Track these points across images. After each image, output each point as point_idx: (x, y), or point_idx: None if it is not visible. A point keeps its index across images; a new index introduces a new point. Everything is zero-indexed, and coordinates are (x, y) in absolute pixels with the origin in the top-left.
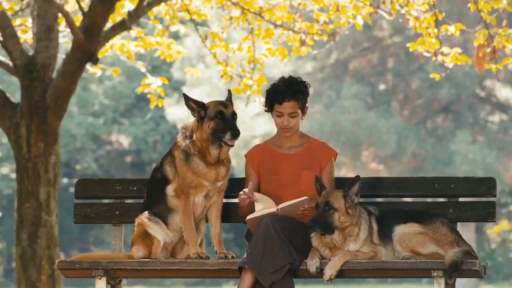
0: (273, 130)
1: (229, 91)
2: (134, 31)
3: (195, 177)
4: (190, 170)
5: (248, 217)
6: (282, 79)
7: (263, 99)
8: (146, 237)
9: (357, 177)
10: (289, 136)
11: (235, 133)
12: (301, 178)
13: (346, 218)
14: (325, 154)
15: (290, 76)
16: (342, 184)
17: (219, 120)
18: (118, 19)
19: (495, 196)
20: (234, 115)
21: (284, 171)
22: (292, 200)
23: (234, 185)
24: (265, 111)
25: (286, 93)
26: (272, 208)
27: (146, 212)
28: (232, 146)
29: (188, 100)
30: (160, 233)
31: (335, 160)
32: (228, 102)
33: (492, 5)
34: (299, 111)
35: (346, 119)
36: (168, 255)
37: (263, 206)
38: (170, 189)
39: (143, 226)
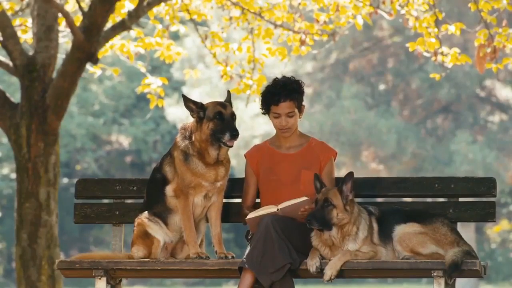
0: (273, 130)
1: (228, 91)
2: (134, 31)
3: (194, 177)
4: (189, 170)
5: (248, 217)
6: (276, 80)
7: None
8: (146, 237)
9: (350, 173)
10: (288, 137)
11: (234, 134)
12: (301, 178)
13: (344, 215)
14: (324, 154)
15: (284, 76)
16: None
17: (218, 121)
18: (118, 19)
19: (495, 196)
20: (233, 115)
21: (284, 171)
22: (293, 200)
23: (234, 185)
24: (262, 113)
25: (281, 94)
26: (272, 208)
27: (146, 212)
28: (231, 147)
29: (187, 101)
30: (160, 233)
31: (334, 159)
32: (227, 103)
33: (492, 5)
34: (296, 110)
35: (346, 119)
36: (168, 255)
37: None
38: (169, 189)
39: (143, 226)
